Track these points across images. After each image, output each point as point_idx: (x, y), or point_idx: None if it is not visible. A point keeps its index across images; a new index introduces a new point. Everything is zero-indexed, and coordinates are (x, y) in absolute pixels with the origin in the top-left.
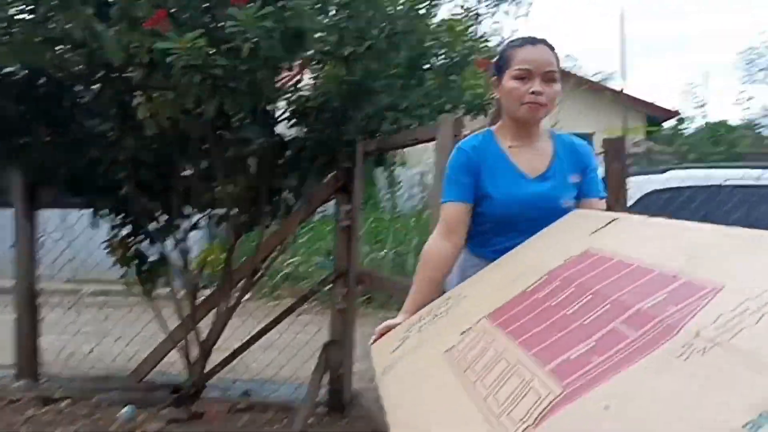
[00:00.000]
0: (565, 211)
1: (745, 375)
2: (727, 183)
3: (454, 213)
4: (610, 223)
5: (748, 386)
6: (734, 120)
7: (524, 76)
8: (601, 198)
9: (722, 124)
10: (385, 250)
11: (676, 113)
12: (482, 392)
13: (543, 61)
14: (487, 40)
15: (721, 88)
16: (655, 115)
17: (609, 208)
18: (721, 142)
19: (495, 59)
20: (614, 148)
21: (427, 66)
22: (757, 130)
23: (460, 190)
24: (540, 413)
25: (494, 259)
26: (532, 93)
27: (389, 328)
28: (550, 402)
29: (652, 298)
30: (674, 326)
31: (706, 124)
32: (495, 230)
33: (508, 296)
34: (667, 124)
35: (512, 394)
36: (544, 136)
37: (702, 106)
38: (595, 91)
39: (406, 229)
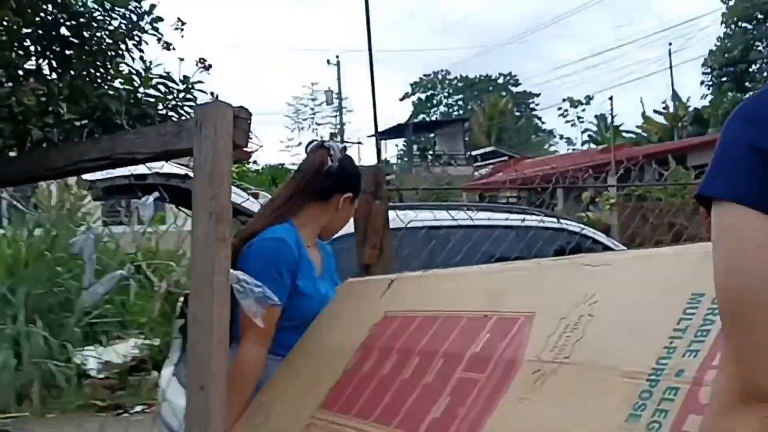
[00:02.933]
0: None
1: (601, 380)
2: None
3: (273, 317)
4: (390, 285)
5: (609, 388)
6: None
7: None
8: None
9: (278, 166)
10: None
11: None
12: None
13: None
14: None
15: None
16: None
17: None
18: (278, 182)
19: (341, 171)
20: (375, 181)
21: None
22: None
23: (282, 292)
24: None
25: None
26: None
27: None
28: None
29: (477, 341)
30: (514, 359)
31: (265, 166)
32: (297, 328)
33: (332, 380)
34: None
35: None
36: None
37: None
38: None
39: None
